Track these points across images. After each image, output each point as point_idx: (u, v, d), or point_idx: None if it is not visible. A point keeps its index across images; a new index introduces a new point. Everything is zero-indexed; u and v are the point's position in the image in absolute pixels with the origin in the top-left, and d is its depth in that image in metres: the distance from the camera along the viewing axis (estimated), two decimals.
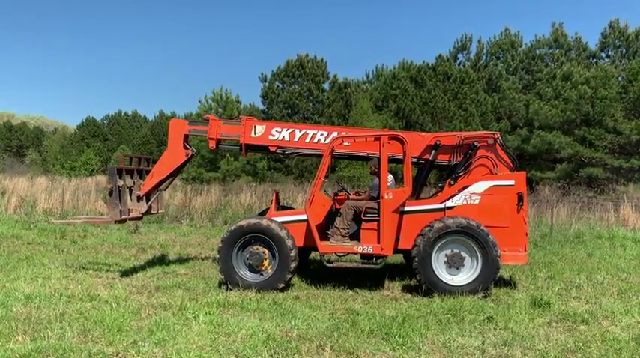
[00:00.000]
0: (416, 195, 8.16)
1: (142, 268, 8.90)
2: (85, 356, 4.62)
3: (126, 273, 8.38)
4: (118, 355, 4.74)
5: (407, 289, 7.58)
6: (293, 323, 5.69)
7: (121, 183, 8.06)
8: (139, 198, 8.49)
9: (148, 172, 8.69)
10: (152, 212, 8.85)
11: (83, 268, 8.75)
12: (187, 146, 8.41)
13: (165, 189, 8.94)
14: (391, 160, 7.67)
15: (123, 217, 8.04)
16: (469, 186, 7.50)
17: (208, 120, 8.37)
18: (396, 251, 7.61)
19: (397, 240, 7.45)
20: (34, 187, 20.46)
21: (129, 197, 8.35)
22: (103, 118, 64.23)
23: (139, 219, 8.88)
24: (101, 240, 12.24)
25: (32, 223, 14.60)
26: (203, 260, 9.87)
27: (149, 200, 8.60)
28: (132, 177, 8.49)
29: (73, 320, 5.64)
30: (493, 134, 7.83)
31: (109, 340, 5.04)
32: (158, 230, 14.06)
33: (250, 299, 6.74)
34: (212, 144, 8.35)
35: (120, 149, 49.29)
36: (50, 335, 5.10)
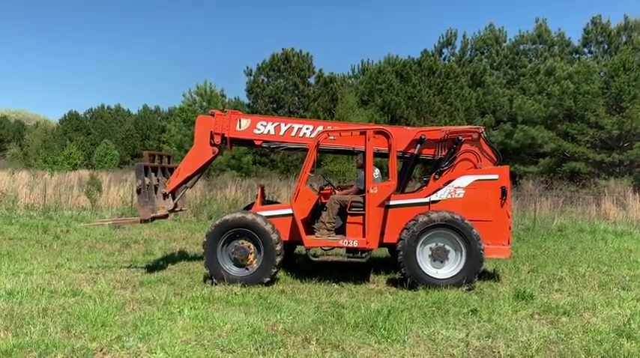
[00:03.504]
0: (401, 189, 8.20)
1: (126, 263, 8.83)
2: (69, 352, 4.57)
3: (110, 268, 8.30)
4: (101, 350, 4.69)
5: (392, 282, 7.61)
6: (278, 317, 5.69)
7: (148, 181, 7.95)
8: (165, 196, 8.41)
9: (170, 169, 8.62)
10: (176, 209, 8.79)
11: (66, 263, 8.65)
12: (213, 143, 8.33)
13: (191, 187, 8.86)
14: (377, 154, 7.69)
15: (152, 215, 7.96)
16: (453, 180, 7.55)
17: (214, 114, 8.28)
18: (381, 245, 7.64)
19: (382, 233, 7.48)
20: (15, 182, 20.16)
21: (155, 195, 8.25)
22: (86, 112, 63.70)
23: (165, 217, 8.79)
24: (84, 235, 12.12)
25: (14, 218, 14.41)
26: (188, 254, 9.82)
27: (174, 197, 8.53)
28: (156, 175, 8.39)
29: (56, 315, 5.57)
30: (477, 129, 7.88)
31: (92, 335, 4.99)
32: (142, 224, 13.91)
33: (235, 293, 6.72)
34: (218, 139, 8.26)
35: (103, 143, 48.81)
36: (32, 331, 5.04)
